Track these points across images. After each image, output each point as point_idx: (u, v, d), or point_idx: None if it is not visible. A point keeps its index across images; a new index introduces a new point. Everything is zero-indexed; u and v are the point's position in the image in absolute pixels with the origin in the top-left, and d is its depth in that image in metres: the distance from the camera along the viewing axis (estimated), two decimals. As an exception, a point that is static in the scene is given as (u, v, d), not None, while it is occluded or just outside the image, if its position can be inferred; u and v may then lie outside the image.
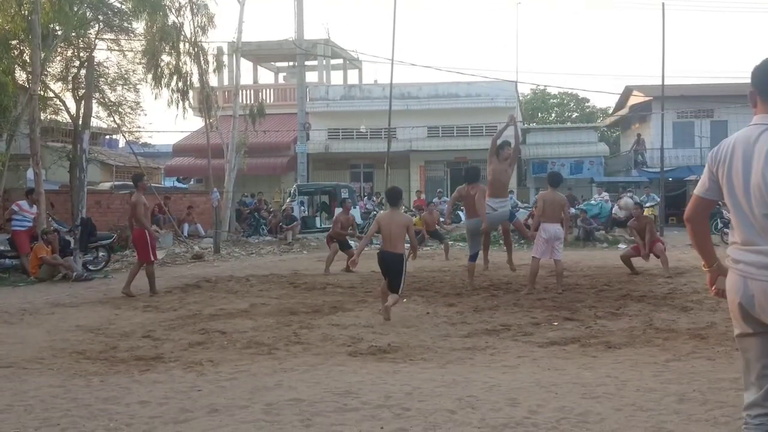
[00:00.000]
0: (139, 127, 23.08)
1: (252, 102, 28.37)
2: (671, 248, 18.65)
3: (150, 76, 21.00)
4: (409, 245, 8.78)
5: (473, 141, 30.14)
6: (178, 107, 21.77)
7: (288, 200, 24.27)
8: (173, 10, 21.11)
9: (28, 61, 16.90)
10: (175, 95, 21.56)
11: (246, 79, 33.27)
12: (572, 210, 21.53)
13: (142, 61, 21.16)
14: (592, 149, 31.63)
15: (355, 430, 4.40)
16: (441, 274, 12.89)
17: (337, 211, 23.77)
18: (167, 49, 21.10)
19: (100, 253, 14.54)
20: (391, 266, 8.20)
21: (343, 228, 14.75)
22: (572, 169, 31.10)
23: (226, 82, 30.97)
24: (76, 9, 17.54)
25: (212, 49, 23.32)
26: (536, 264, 10.29)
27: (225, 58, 25.52)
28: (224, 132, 23.24)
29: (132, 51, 21.28)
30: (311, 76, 32.98)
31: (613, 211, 22.89)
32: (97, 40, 20.19)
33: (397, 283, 8.15)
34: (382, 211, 8.79)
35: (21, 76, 17.93)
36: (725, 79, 56.59)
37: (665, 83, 25.67)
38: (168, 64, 21.35)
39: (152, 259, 10.85)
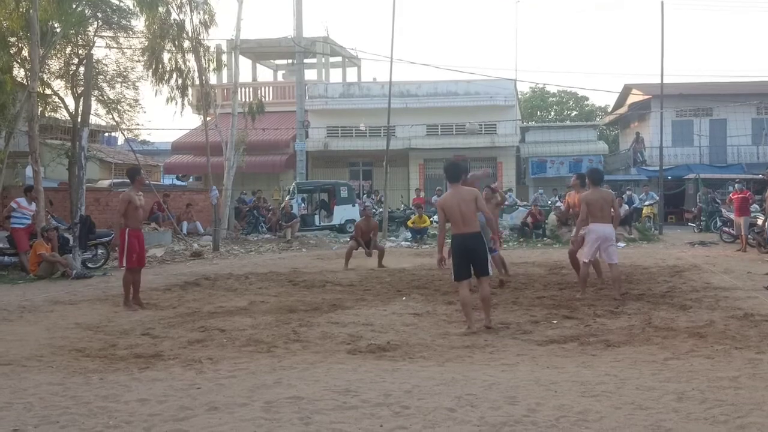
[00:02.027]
0: (138, 124, 23.07)
1: (251, 99, 28.35)
2: (670, 247, 18.69)
3: (150, 72, 20.98)
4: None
5: (472, 139, 30.14)
6: (177, 104, 21.78)
7: (287, 198, 24.27)
8: (174, 7, 21.09)
9: (27, 58, 16.88)
10: (175, 92, 21.54)
11: (245, 76, 33.27)
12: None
13: (141, 58, 21.14)
14: (591, 147, 31.65)
15: (354, 428, 4.40)
16: (440, 272, 12.89)
17: (341, 210, 23.88)
18: (168, 46, 21.08)
19: (99, 251, 14.54)
20: (476, 248, 7.26)
21: (364, 235, 14.65)
22: (571, 168, 31.06)
23: (225, 80, 30.94)
24: (74, 6, 17.51)
25: (212, 47, 23.30)
26: (586, 269, 9.48)
27: (224, 57, 25.48)
28: (223, 129, 23.22)
29: (131, 48, 21.27)
30: (310, 74, 32.97)
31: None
32: (95, 38, 20.17)
33: (486, 264, 7.34)
34: (442, 195, 7.68)
35: (20, 73, 17.90)
36: (724, 77, 56.68)
37: (664, 82, 25.69)
38: (169, 60, 21.34)
39: (121, 264, 9.49)
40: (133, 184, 9.58)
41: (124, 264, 9.32)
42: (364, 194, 28.62)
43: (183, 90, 21.74)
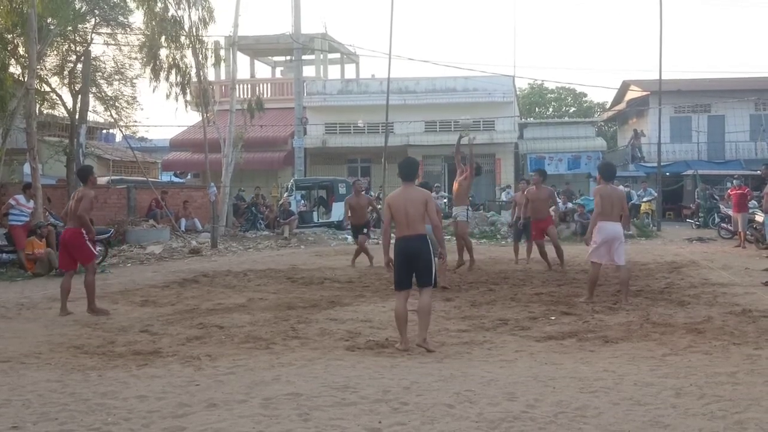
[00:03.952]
0: (135, 121, 23.06)
1: (249, 96, 28.31)
2: (668, 243, 18.70)
3: (148, 69, 20.94)
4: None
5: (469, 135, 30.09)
6: (177, 100, 21.76)
7: (285, 195, 24.25)
8: (172, 2, 21.04)
9: (24, 55, 16.84)
10: (174, 89, 21.51)
11: (243, 73, 33.24)
12: (569, 204, 21.60)
13: (138, 55, 21.11)
14: (589, 144, 31.64)
15: (353, 424, 4.40)
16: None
17: (339, 206, 23.81)
18: (166, 42, 21.04)
19: (98, 248, 14.50)
20: (417, 253, 6.41)
21: (355, 213, 13.69)
22: (570, 164, 31.11)
23: (223, 77, 30.87)
24: (71, 2, 17.46)
25: (210, 44, 23.25)
26: (597, 270, 9.00)
27: (222, 53, 25.44)
28: (221, 126, 23.18)
29: (128, 45, 21.23)
30: (308, 71, 32.91)
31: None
32: (93, 34, 20.13)
33: (430, 272, 6.43)
34: (392, 192, 6.95)
35: (17, 70, 17.87)
36: (723, 74, 56.69)
37: (662, 78, 25.67)
38: (167, 56, 21.30)
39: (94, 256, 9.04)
40: (86, 183, 9.09)
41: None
42: (362, 191, 28.57)
43: (183, 87, 21.72)
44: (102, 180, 26.21)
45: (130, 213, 21.14)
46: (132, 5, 20.03)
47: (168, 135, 32.14)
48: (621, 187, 10.26)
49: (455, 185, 12.23)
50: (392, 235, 6.73)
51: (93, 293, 8.65)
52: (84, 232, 8.77)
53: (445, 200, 23.18)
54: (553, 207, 14.40)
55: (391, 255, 6.58)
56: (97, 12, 19.56)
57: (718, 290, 9.70)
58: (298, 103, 27.03)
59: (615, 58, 79.96)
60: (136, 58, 21.30)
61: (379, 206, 22.61)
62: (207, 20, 21.82)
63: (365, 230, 13.89)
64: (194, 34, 21.50)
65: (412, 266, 6.47)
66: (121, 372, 5.77)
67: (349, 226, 14.45)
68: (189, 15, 21.46)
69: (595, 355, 6.18)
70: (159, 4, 20.31)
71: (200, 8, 21.60)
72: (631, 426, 4.29)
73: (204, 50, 22.35)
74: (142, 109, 32.97)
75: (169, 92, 21.50)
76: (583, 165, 31.19)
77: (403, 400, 4.84)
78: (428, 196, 6.67)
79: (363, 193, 14.42)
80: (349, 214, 14.02)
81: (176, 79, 21.42)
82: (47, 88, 19.93)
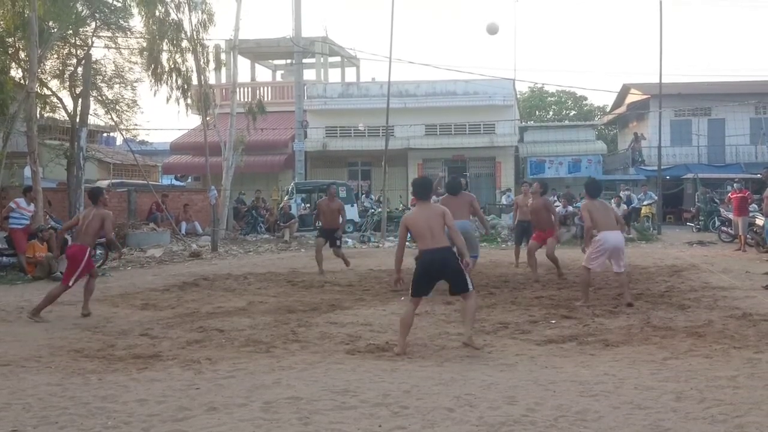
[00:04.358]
0: (136, 124, 23.06)
1: (249, 99, 28.34)
2: (668, 246, 18.70)
3: (149, 72, 20.97)
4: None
5: (471, 139, 30.14)
6: (178, 104, 21.79)
7: (286, 198, 24.26)
8: (173, 6, 21.08)
9: (24, 58, 16.86)
10: (175, 92, 21.54)
11: (243, 76, 33.27)
12: (569, 208, 21.59)
13: (138, 59, 21.13)
14: (590, 147, 31.64)
15: (353, 428, 4.40)
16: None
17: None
18: (166, 46, 21.06)
19: (98, 251, 14.52)
20: (445, 265, 6.50)
21: (325, 217, 13.34)
22: (570, 168, 31.10)
23: (223, 80, 30.91)
24: (71, 5, 17.48)
25: (211, 47, 23.30)
26: (588, 274, 9.09)
27: (223, 56, 25.48)
28: (222, 130, 23.20)
29: (129, 49, 21.25)
30: (309, 74, 32.94)
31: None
32: (94, 38, 20.15)
33: (463, 278, 6.50)
34: (407, 213, 7.01)
35: (17, 74, 17.89)
36: (723, 77, 56.74)
37: (663, 81, 25.69)
38: (168, 60, 21.33)
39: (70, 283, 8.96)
40: (97, 204, 9.25)
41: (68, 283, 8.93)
42: (362, 194, 28.62)
43: (184, 90, 21.75)
44: (103, 183, 26.22)
45: (131, 216, 21.16)
46: (134, 11, 20.05)
47: (168, 138, 32.15)
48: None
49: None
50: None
51: (49, 303, 8.80)
52: (88, 250, 9.02)
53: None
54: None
55: (402, 273, 6.82)
56: (97, 15, 19.58)
57: (719, 294, 9.70)
58: (298, 107, 27.06)
59: (615, 62, 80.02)
60: (136, 62, 21.33)
61: (374, 210, 22.71)
62: (207, 24, 21.88)
63: (338, 242, 13.52)
64: (195, 38, 21.54)
65: (438, 277, 6.63)
66: (121, 376, 5.76)
67: (318, 226, 14.20)
68: (189, 18, 21.53)
69: (596, 359, 6.18)
70: (160, 8, 20.33)
71: (200, 12, 21.66)
72: (632, 430, 4.29)
73: (206, 54, 22.41)
74: (142, 113, 32.93)
75: (170, 95, 21.56)
76: (583, 168, 31.19)
77: (403, 403, 4.84)
78: (445, 210, 6.82)
79: (336, 198, 13.87)
80: (320, 217, 13.71)
81: (177, 82, 21.46)
82: (48, 92, 19.95)
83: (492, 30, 12.57)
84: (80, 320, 8.41)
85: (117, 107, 21.56)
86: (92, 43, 19.93)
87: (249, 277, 12.58)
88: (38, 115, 17.64)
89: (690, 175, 28.88)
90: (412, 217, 6.78)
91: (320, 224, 13.81)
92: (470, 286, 6.53)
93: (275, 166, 30.34)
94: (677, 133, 31.91)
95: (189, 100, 22.27)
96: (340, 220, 13.53)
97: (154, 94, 21.81)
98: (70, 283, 8.86)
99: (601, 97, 74.48)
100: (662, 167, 26.28)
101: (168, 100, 21.61)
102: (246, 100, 28.69)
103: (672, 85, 28.95)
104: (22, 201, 13.56)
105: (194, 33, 21.60)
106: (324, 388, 5.24)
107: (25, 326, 8.11)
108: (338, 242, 13.59)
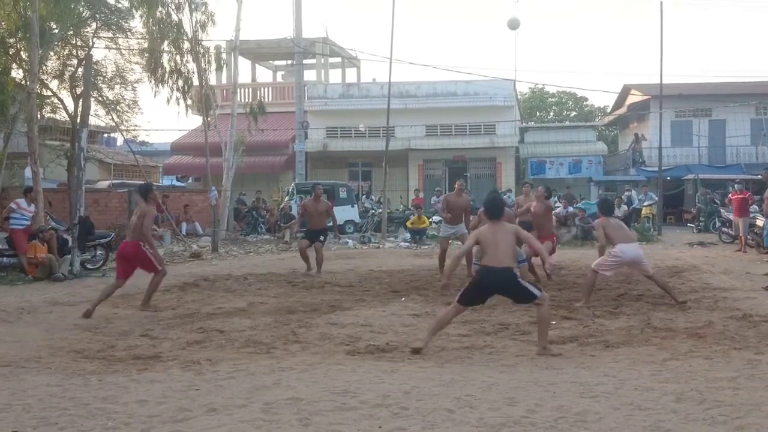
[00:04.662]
0: (137, 125, 23.09)
1: (250, 100, 28.35)
2: (669, 247, 18.69)
3: (150, 74, 20.98)
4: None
5: (471, 139, 30.16)
6: (179, 104, 21.81)
7: (286, 199, 24.26)
8: (173, 7, 21.08)
9: (25, 59, 16.87)
10: (176, 93, 21.55)
11: (244, 77, 33.25)
12: (570, 209, 21.59)
13: (140, 60, 21.14)
14: (590, 148, 31.66)
15: (353, 429, 4.40)
16: (439, 273, 12.89)
17: (340, 210, 23.73)
18: (167, 47, 21.07)
19: (98, 252, 14.54)
20: (505, 286, 6.55)
21: (311, 218, 13.22)
22: (571, 168, 31.13)
23: (224, 81, 30.93)
24: (72, 6, 17.50)
25: (212, 48, 23.31)
26: (595, 277, 9.21)
27: (223, 57, 25.47)
28: (222, 130, 23.21)
29: (129, 49, 21.27)
30: (309, 75, 32.95)
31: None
32: (94, 39, 20.18)
33: (525, 293, 6.51)
34: (481, 227, 7.16)
35: (18, 74, 17.90)
36: (723, 78, 56.64)
37: (663, 82, 25.69)
38: (169, 61, 21.34)
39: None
40: (147, 200, 9.57)
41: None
42: (363, 195, 28.63)
43: (185, 91, 21.76)
44: (103, 184, 26.25)
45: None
46: (136, 14, 20.06)
47: (169, 139, 32.17)
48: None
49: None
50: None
51: (152, 293, 9.36)
52: (142, 244, 9.27)
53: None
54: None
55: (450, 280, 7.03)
56: (98, 16, 19.60)
57: (719, 295, 9.69)
58: (299, 107, 27.07)
59: (616, 62, 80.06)
60: (137, 63, 21.35)
61: (375, 211, 22.69)
62: (207, 24, 21.89)
63: (322, 237, 13.38)
64: (195, 38, 21.55)
65: (494, 293, 6.72)
66: (121, 376, 5.76)
67: (302, 229, 13.98)
68: (190, 19, 21.54)
69: (596, 360, 6.18)
70: (160, 9, 20.34)
71: (200, 12, 21.67)
72: (632, 431, 4.29)
73: (207, 55, 22.42)
74: (143, 113, 32.94)
75: (170, 96, 21.58)
76: (584, 169, 31.21)
77: (403, 404, 4.84)
78: (517, 228, 6.90)
79: (323, 198, 13.85)
80: (303, 218, 13.62)
81: (177, 83, 21.47)
82: (48, 92, 19.96)
83: (513, 25, 12.71)
84: (80, 321, 8.40)
85: (118, 108, 21.59)
86: (93, 43, 19.97)
87: (249, 277, 12.57)
88: (39, 116, 17.65)
89: (690, 176, 28.88)
90: (484, 232, 6.71)
91: (299, 225, 13.58)
92: (537, 293, 6.49)
93: (276, 167, 30.35)
94: (678, 133, 31.92)
95: (189, 101, 22.29)
96: (329, 222, 13.39)
97: (155, 95, 21.84)
98: (160, 268, 9.33)
99: (602, 98, 74.55)
100: (663, 168, 26.28)
101: (168, 100, 21.67)
102: (247, 100, 28.70)
103: (672, 86, 28.96)
104: (22, 201, 13.56)
105: (195, 34, 21.61)
106: (324, 389, 5.24)
107: (25, 327, 8.11)
108: (322, 238, 13.39)
